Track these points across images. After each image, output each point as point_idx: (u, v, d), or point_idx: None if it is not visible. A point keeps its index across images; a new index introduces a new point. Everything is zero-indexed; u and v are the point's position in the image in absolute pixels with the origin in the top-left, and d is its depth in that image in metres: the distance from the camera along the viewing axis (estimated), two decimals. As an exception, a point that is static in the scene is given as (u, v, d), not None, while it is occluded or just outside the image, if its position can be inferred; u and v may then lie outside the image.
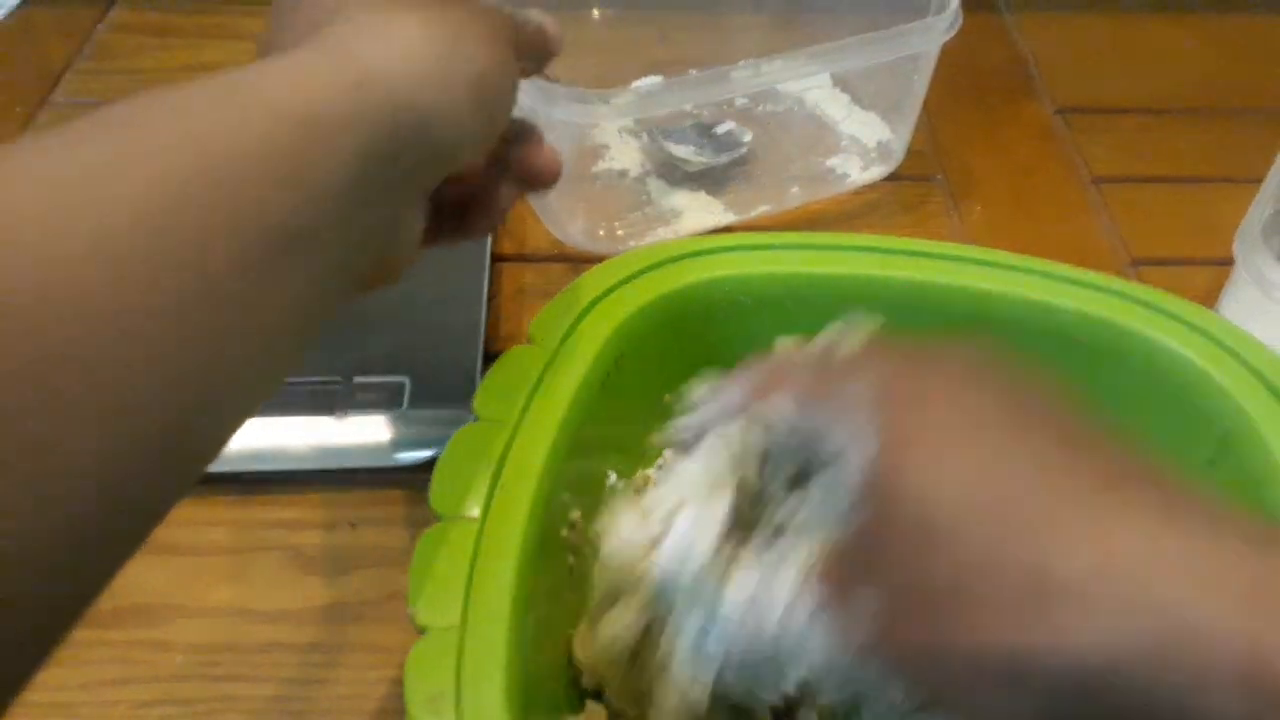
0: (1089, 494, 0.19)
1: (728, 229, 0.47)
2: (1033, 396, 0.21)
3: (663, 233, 0.47)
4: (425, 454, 0.37)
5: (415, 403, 0.38)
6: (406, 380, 0.39)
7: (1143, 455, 0.20)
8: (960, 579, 0.19)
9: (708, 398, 0.25)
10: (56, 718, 0.30)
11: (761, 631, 0.21)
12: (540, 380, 0.30)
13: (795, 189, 0.50)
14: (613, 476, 0.34)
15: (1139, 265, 0.47)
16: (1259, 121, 0.56)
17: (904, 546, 0.20)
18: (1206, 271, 0.46)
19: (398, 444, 0.37)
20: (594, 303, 0.33)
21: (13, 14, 0.61)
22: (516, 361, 0.30)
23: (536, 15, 0.28)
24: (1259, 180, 0.41)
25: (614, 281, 0.33)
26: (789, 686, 0.22)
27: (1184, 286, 0.34)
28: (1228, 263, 0.43)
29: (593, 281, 0.33)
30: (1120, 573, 0.17)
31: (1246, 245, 0.41)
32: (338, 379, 0.39)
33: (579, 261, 0.47)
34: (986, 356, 0.23)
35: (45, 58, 0.58)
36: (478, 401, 0.29)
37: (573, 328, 0.32)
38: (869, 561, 0.20)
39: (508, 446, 0.28)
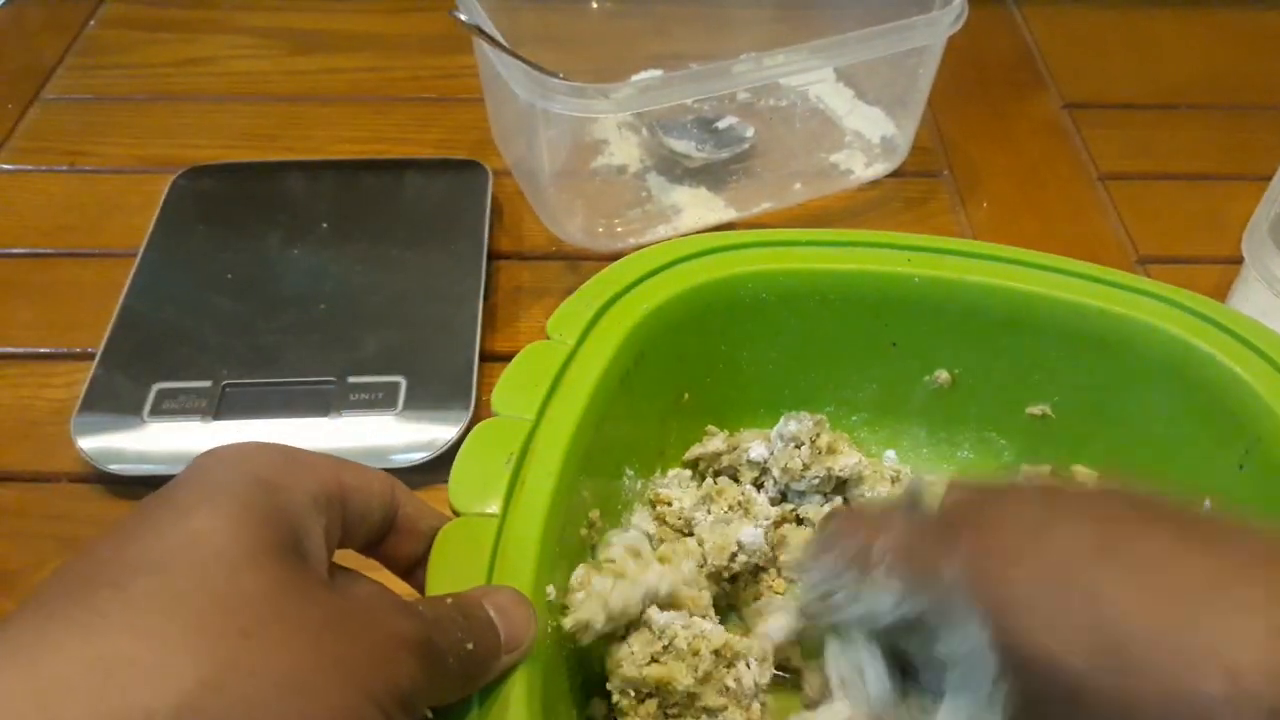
0: (1195, 606, 0.19)
1: (729, 226, 0.47)
2: (1110, 512, 0.22)
3: (663, 230, 0.46)
4: (422, 455, 0.37)
5: (411, 403, 0.38)
6: (402, 380, 0.38)
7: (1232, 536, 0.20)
8: None
9: (814, 563, 0.27)
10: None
11: None
12: (560, 377, 0.29)
13: (798, 185, 0.49)
14: (630, 474, 0.33)
15: (1146, 263, 0.47)
16: (1268, 118, 0.55)
17: (1055, 709, 0.20)
18: (1215, 270, 0.46)
19: (394, 445, 0.37)
20: (614, 299, 0.32)
21: (3, 9, 0.61)
22: (535, 357, 0.30)
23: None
24: (1268, 178, 0.41)
25: (634, 277, 0.33)
26: None
27: (1192, 285, 0.34)
28: (1236, 261, 0.42)
29: (612, 277, 0.33)
30: (1250, 687, 0.18)
31: (1255, 243, 0.40)
32: (332, 379, 0.38)
33: (577, 259, 0.46)
34: (1057, 489, 0.23)
35: (36, 53, 0.58)
36: (496, 397, 0.28)
37: (592, 324, 0.31)
38: None
39: (527, 443, 0.27)
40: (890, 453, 0.37)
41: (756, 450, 0.34)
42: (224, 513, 0.19)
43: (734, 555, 0.31)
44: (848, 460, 0.34)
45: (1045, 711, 0.21)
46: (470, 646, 0.21)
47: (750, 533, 0.31)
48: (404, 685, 0.19)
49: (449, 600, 0.22)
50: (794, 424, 0.34)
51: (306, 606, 0.18)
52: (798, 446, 0.34)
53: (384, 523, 0.24)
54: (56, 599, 0.17)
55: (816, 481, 0.34)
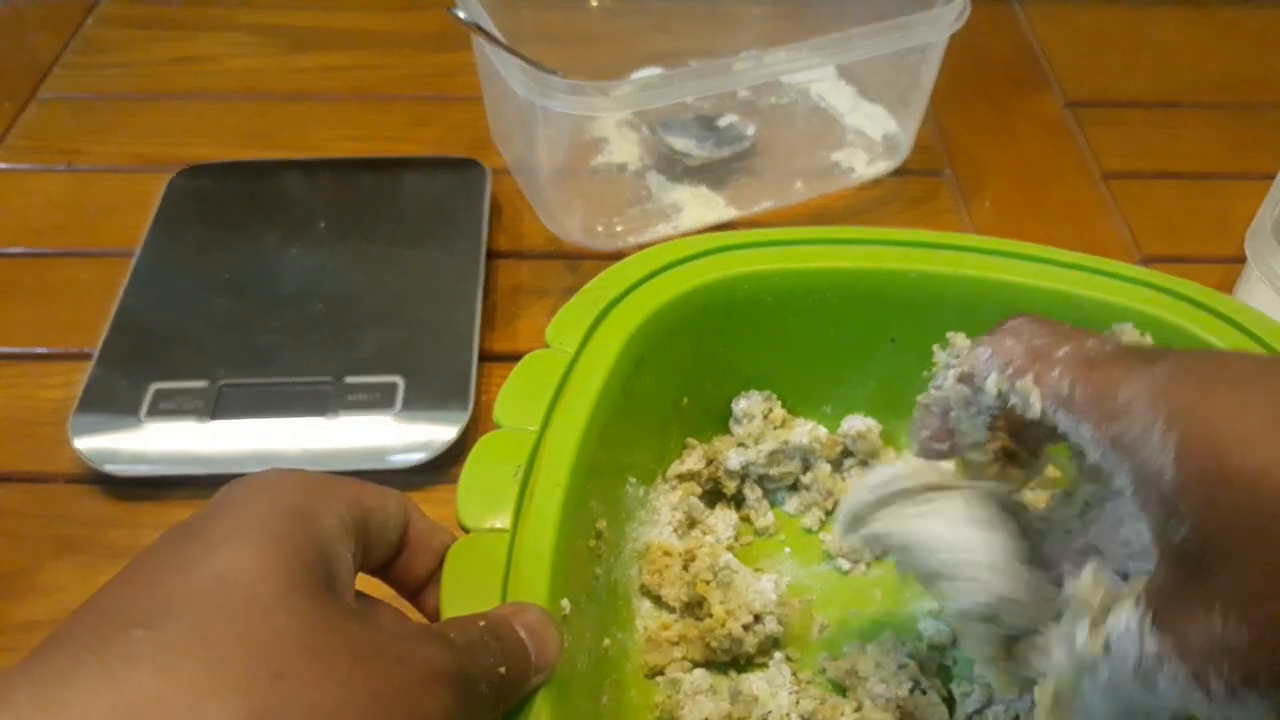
0: None
1: (730, 225, 0.47)
2: None
3: (663, 228, 0.46)
4: (421, 456, 0.36)
5: (409, 403, 0.38)
6: (400, 380, 0.38)
7: None
8: None
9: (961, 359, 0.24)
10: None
11: (1121, 695, 0.20)
12: (561, 387, 0.29)
13: (799, 184, 0.49)
14: (633, 482, 0.33)
15: (1149, 262, 0.46)
16: (1272, 117, 0.55)
17: (1248, 537, 0.17)
18: (1218, 269, 0.45)
19: (392, 445, 0.37)
20: (611, 305, 0.32)
21: (0, 8, 0.61)
22: (536, 367, 0.29)
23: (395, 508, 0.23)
24: (1272, 176, 0.41)
25: (629, 282, 0.33)
26: None
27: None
28: (1239, 260, 0.42)
29: (607, 283, 0.33)
30: None
31: (1258, 242, 0.40)
32: (329, 379, 0.38)
33: (576, 258, 0.46)
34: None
35: (33, 52, 0.57)
36: (499, 409, 0.28)
37: (591, 331, 0.31)
38: (1205, 578, 0.18)
39: (533, 455, 0.27)
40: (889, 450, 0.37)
41: (733, 459, 0.34)
42: (253, 547, 0.18)
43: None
44: (801, 429, 0.35)
45: (1227, 542, 0.17)
46: (503, 671, 0.21)
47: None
48: (437, 719, 0.18)
49: (481, 623, 0.21)
50: (744, 401, 0.35)
51: (338, 643, 0.18)
52: (750, 420, 0.35)
53: (399, 543, 0.23)
54: (85, 639, 0.17)
55: (777, 455, 0.34)
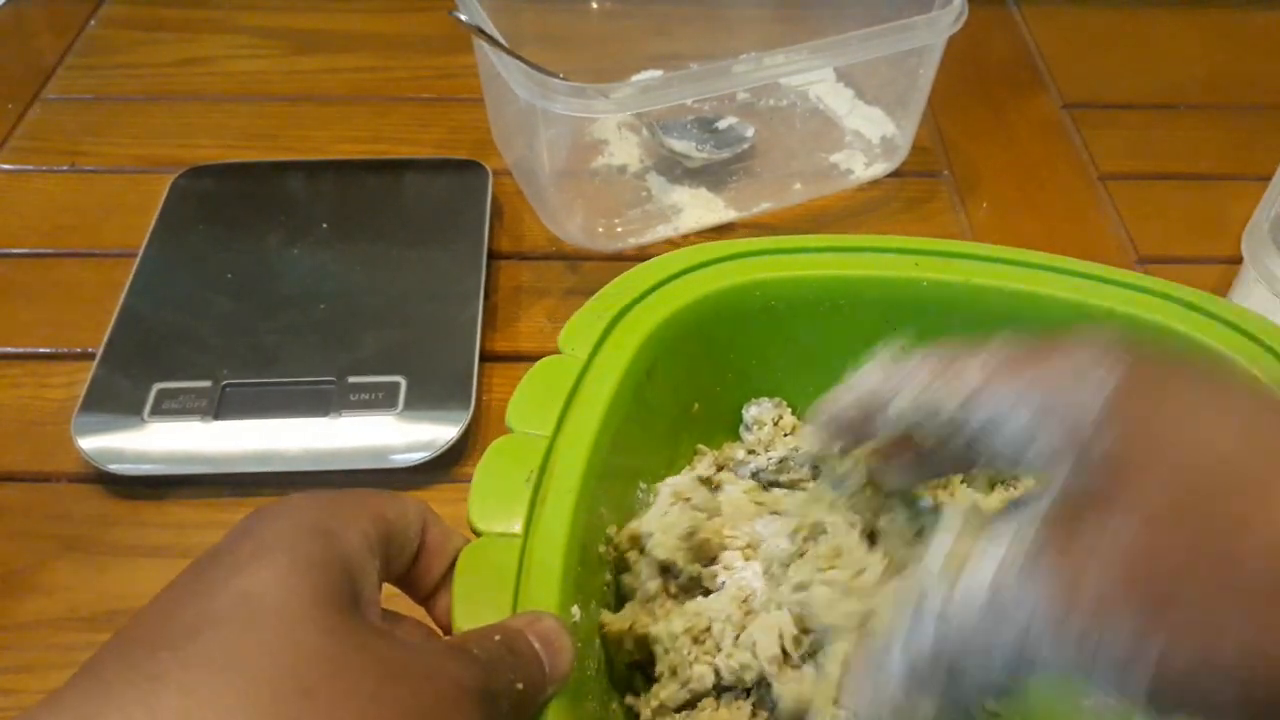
0: None
1: (729, 226, 0.47)
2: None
3: (663, 230, 0.46)
4: (422, 455, 0.37)
5: (411, 403, 0.38)
6: (402, 380, 0.38)
7: None
8: (1211, 550, 0.17)
9: (870, 376, 0.24)
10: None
11: (971, 604, 0.19)
12: (574, 392, 0.29)
13: (798, 185, 0.49)
14: (643, 488, 0.33)
15: (1146, 263, 0.47)
16: (1268, 118, 0.55)
17: (1148, 501, 0.18)
18: (1214, 270, 0.46)
19: (394, 445, 0.37)
20: (624, 311, 0.32)
21: (3, 9, 0.61)
22: (548, 372, 0.29)
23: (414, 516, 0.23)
24: (1268, 177, 0.41)
25: (643, 288, 0.33)
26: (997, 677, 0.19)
27: (1192, 284, 0.34)
28: (1236, 261, 0.42)
29: (621, 289, 0.33)
30: None
31: (1255, 243, 0.40)
32: (332, 379, 0.38)
33: (577, 259, 0.46)
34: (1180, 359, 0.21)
35: (36, 53, 0.58)
36: (511, 413, 0.28)
37: (603, 337, 0.31)
38: (1099, 517, 0.18)
39: (546, 460, 0.27)
40: None
41: (744, 469, 0.35)
42: (277, 567, 0.18)
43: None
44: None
45: (1121, 496, 0.18)
46: (520, 686, 0.21)
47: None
48: None
49: (497, 637, 0.21)
50: (754, 409, 0.36)
51: (366, 660, 0.18)
52: (760, 428, 0.35)
53: (416, 551, 0.23)
54: (115, 664, 0.17)
55: (787, 462, 0.34)
